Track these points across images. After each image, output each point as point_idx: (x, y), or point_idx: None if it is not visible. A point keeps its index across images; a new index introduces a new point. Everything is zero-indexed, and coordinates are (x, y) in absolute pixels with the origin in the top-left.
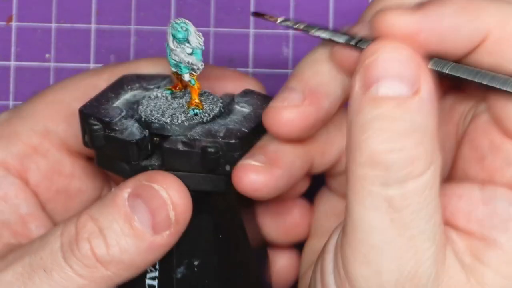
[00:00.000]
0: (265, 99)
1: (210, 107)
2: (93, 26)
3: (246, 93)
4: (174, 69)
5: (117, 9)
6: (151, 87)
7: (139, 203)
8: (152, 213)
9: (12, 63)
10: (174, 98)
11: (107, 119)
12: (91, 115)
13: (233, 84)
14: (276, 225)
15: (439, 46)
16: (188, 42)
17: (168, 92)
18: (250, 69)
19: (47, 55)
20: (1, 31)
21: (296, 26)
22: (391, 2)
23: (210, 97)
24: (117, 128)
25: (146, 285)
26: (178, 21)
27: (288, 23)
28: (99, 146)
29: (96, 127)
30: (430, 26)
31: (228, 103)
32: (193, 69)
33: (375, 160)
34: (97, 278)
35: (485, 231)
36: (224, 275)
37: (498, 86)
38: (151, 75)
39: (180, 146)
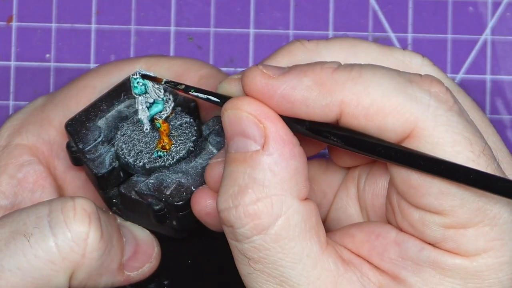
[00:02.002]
0: None
1: (178, 148)
2: (93, 26)
3: (221, 131)
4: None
5: (117, 9)
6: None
7: (128, 233)
8: (135, 251)
9: (12, 63)
10: (152, 127)
11: (81, 146)
12: (72, 135)
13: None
14: None
15: (290, 113)
16: (148, 94)
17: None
18: None
19: (47, 55)
20: (1, 31)
21: (177, 86)
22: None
23: (186, 132)
24: (88, 157)
25: None
26: (135, 76)
27: (170, 84)
28: (79, 165)
29: (73, 148)
30: (282, 93)
31: (204, 138)
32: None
33: (221, 218)
34: (70, 259)
35: (396, 270)
36: None
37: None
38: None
39: (133, 194)
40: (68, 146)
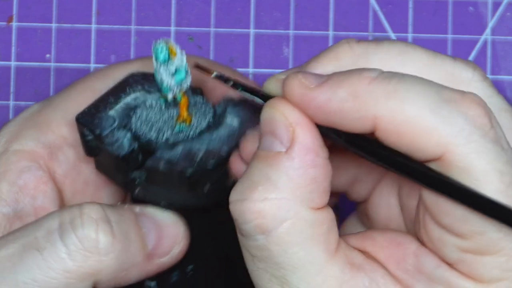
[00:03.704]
0: (255, 112)
1: (198, 121)
2: (93, 26)
3: (238, 102)
4: (160, 86)
5: (117, 9)
6: (153, 89)
7: (147, 221)
8: (158, 236)
9: (12, 63)
10: (167, 107)
11: (98, 131)
12: (85, 125)
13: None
14: None
15: (326, 123)
16: (171, 62)
17: (162, 101)
18: (250, 69)
19: (47, 55)
20: (1, 31)
21: (226, 82)
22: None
23: (203, 107)
24: (107, 141)
25: (145, 286)
26: (159, 42)
27: (220, 78)
28: (94, 155)
29: (89, 137)
30: (318, 104)
31: (221, 113)
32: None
33: (231, 210)
34: (86, 267)
35: (409, 282)
36: (217, 278)
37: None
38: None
39: (161, 166)
40: (83, 136)
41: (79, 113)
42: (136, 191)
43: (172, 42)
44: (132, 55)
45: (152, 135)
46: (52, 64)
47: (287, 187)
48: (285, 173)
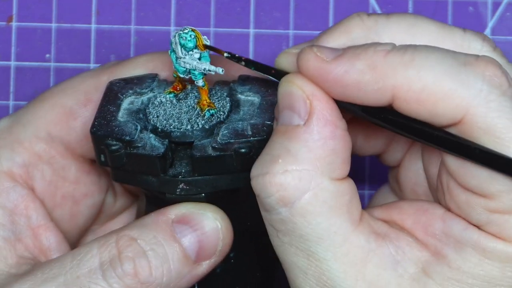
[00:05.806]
0: (267, 84)
1: (221, 104)
2: (93, 26)
3: (244, 80)
4: (182, 75)
5: (117, 9)
6: (145, 90)
7: (185, 228)
8: (200, 241)
9: (12, 63)
10: (178, 100)
11: (128, 138)
12: (107, 135)
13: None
14: None
15: (344, 96)
16: (196, 48)
17: (171, 95)
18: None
19: (47, 55)
20: (1, 31)
21: (239, 61)
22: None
23: (214, 92)
24: (139, 145)
25: None
26: (186, 30)
27: (231, 58)
28: (120, 165)
29: (115, 147)
30: (335, 77)
31: (230, 94)
32: (204, 74)
33: (253, 186)
34: None
35: (438, 246)
36: (259, 262)
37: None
38: (137, 77)
39: (212, 152)
40: (107, 146)
41: (92, 126)
42: (179, 188)
43: (196, 29)
44: (131, 55)
45: (187, 126)
46: (52, 64)
47: (308, 159)
48: (305, 145)
